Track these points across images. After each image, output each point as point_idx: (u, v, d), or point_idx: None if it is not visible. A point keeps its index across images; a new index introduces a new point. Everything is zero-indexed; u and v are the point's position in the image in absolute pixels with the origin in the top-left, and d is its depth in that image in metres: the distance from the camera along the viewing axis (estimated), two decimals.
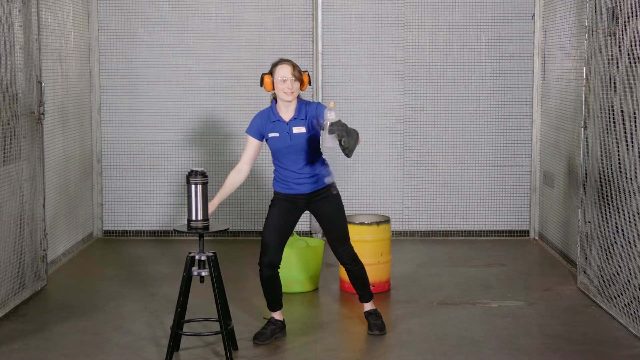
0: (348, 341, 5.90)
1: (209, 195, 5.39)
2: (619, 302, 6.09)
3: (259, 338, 5.71)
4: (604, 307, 6.36)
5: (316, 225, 8.79)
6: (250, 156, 5.68)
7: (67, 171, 8.01)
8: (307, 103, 5.59)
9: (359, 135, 5.26)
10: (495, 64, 8.78)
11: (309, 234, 8.80)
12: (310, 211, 5.76)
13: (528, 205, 8.91)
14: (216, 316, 5.39)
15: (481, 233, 8.93)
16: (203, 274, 5.35)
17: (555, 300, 6.70)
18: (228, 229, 5.51)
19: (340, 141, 5.16)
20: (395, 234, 8.59)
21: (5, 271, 6.20)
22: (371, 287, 6.85)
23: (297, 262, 6.86)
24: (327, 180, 5.61)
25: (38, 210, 6.82)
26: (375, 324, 5.91)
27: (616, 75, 6.17)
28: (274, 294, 5.78)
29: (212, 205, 5.51)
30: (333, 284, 7.15)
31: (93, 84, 8.75)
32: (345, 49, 8.79)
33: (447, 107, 8.83)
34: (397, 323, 6.11)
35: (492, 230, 8.94)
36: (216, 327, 5.56)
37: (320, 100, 8.73)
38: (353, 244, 6.88)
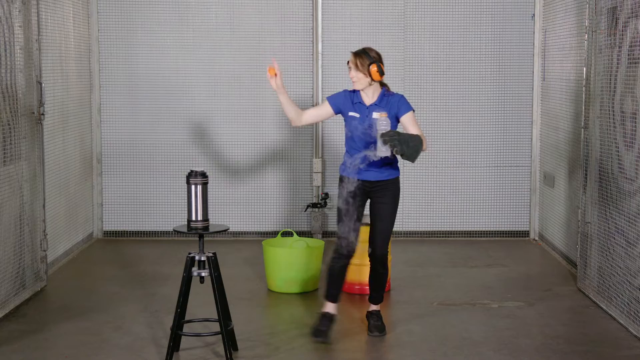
0: (348, 342, 5.89)
1: (208, 196, 5.38)
2: (619, 303, 6.09)
3: (321, 336, 5.70)
4: (604, 307, 6.36)
5: (316, 225, 8.79)
6: (317, 112, 5.84)
7: (67, 171, 8.00)
8: (391, 94, 5.72)
9: (423, 141, 5.42)
10: (495, 64, 8.78)
11: (309, 234, 8.80)
12: (370, 199, 5.81)
13: (528, 206, 8.91)
14: (216, 316, 5.39)
15: (481, 233, 8.93)
16: (203, 274, 5.35)
17: (555, 301, 6.70)
18: (228, 229, 5.50)
19: (393, 150, 5.31)
20: (395, 234, 8.59)
21: (5, 271, 6.20)
22: None
23: (297, 263, 6.86)
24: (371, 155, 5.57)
25: (38, 211, 6.82)
26: (375, 325, 5.92)
27: (616, 75, 6.17)
28: (340, 284, 5.86)
29: (281, 89, 5.66)
30: None
31: (93, 84, 8.75)
32: (345, 49, 8.77)
33: (447, 107, 8.83)
34: (397, 324, 6.11)
35: (492, 231, 8.94)
36: (216, 327, 5.55)
37: (320, 101, 8.74)
38: None
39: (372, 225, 5.85)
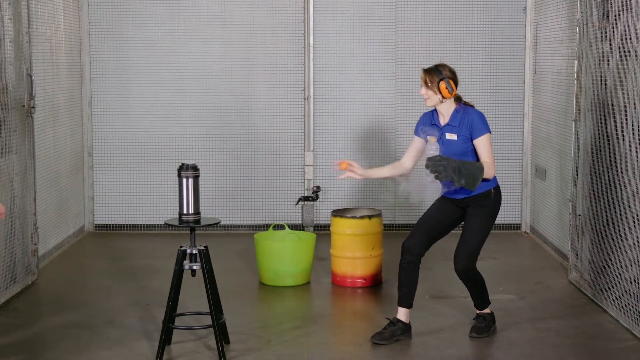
0: (339, 334, 5.90)
1: (199, 189, 5.37)
2: (610, 295, 6.10)
3: (377, 337, 5.56)
4: (596, 300, 6.38)
5: (308, 218, 8.79)
6: (412, 152, 5.68)
7: (58, 165, 7.98)
8: (466, 111, 5.49)
9: (484, 168, 5.28)
10: (486, 58, 8.77)
11: (301, 227, 8.80)
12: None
13: (519, 199, 8.92)
14: (208, 310, 5.38)
15: None
16: (194, 267, 5.34)
17: (546, 294, 6.71)
18: (219, 222, 5.49)
19: (434, 176, 5.20)
20: (388, 227, 8.59)
21: None
22: (362, 281, 6.88)
23: (289, 256, 6.86)
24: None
25: (29, 204, 6.79)
26: (474, 326, 5.76)
27: (607, 68, 6.17)
28: (407, 286, 5.63)
29: (366, 173, 5.63)
30: (324, 278, 7.15)
31: (84, 77, 8.72)
32: (336, 42, 8.78)
33: None
34: (388, 317, 6.10)
35: None
36: (208, 320, 5.55)
37: (311, 94, 8.73)
38: (345, 237, 6.92)
39: (460, 238, 5.67)
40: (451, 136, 5.47)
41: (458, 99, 5.55)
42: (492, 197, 5.52)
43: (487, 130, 5.45)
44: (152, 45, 8.76)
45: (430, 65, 5.55)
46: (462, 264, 5.62)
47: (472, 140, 5.45)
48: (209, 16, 8.76)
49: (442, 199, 5.64)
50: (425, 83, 5.48)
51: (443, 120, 5.54)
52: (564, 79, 7.59)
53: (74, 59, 8.48)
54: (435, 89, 5.45)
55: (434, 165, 5.19)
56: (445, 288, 6.85)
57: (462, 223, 5.69)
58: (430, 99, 5.50)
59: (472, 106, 5.55)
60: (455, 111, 5.50)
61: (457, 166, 5.22)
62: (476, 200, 5.52)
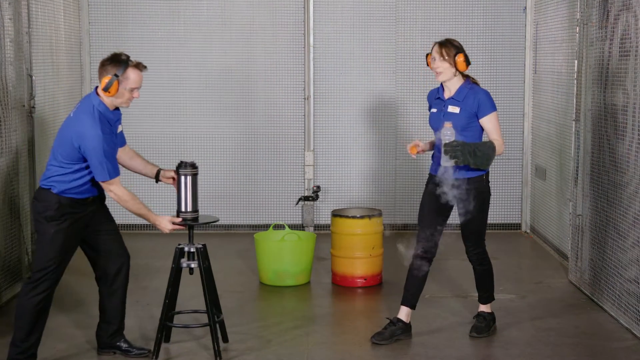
0: (339, 334, 5.90)
1: (198, 187, 5.37)
2: (610, 295, 6.10)
3: (377, 337, 5.58)
4: (596, 299, 6.37)
5: (308, 218, 8.79)
6: None
7: None
8: (473, 88, 5.47)
9: (495, 146, 5.33)
10: (487, 57, 8.77)
11: (301, 227, 8.80)
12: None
13: (519, 198, 8.92)
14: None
15: None
16: (192, 265, 5.34)
17: (546, 293, 6.71)
18: (217, 220, 5.49)
19: (453, 161, 5.22)
20: (388, 227, 8.58)
21: None
22: (362, 281, 6.88)
23: (289, 256, 6.86)
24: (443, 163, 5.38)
25: (29, 205, 6.79)
26: (475, 326, 5.77)
27: (607, 68, 6.17)
28: (414, 286, 5.64)
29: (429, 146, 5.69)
30: (325, 277, 7.15)
31: (84, 77, 8.72)
32: (337, 42, 8.78)
33: None
34: (388, 317, 6.10)
35: None
36: (206, 319, 5.54)
37: (311, 94, 8.73)
38: (344, 237, 6.92)
39: (461, 224, 5.70)
40: (453, 109, 5.46)
41: (465, 76, 5.53)
42: (482, 182, 5.55)
43: (494, 108, 5.46)
44: (152, 45, 8.75)
45: (442, 39, 5.48)
46: (472, 249, 5.73)
47: (477, 118, 5.44)
48: (209, 16, 8.76)
49: (429, 188, 5.62)
50: (442, 55, 5.40)
51: (448, 93, 5.51)
52: (564, 78, 7.58)
53: (74, 59, 8.48)
54: (452, 61, 5.39)
55: (453, 150, 5.19)
56: (445, 288, 6.85)
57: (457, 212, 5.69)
58: (444, 72, 5.43)
59: (479, 85, 5.54)
60: (462, 87, 5.47)
61: (472, 149, 5.24)
62: (467, 184, 5.49)
